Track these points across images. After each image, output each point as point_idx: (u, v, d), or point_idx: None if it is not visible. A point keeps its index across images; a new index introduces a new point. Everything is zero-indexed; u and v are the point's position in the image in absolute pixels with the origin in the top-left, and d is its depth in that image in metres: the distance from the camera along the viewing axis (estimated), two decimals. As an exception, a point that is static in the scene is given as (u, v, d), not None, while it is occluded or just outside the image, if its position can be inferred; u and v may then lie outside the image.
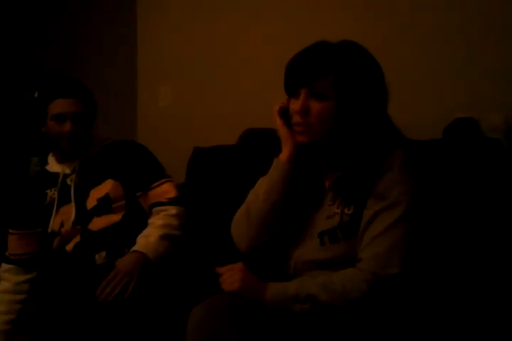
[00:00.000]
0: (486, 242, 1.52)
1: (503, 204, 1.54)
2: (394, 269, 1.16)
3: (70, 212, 1.70)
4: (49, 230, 1.72)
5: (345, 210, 1.26)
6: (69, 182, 1.74)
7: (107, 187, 1.71)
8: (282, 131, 1.32)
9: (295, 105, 1.26)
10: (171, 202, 1.73)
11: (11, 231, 1.78)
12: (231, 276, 1.24)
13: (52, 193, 1.74)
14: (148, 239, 1.62)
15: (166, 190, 1.75)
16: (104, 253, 1.65)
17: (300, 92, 1.25)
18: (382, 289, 1.16)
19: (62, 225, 1.70)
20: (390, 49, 2.13)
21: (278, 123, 1.33)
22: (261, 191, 1.33)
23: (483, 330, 1.36)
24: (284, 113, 1.33)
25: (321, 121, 1.24)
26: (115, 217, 1.70)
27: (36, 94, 1.71)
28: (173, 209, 1.71)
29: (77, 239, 1.70)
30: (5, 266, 1.77)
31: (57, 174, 1.76)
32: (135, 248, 1.61)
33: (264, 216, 1.32)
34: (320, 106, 1.23)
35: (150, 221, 1.70)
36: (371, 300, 1.17)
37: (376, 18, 2.19)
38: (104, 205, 1.70)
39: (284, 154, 1.32)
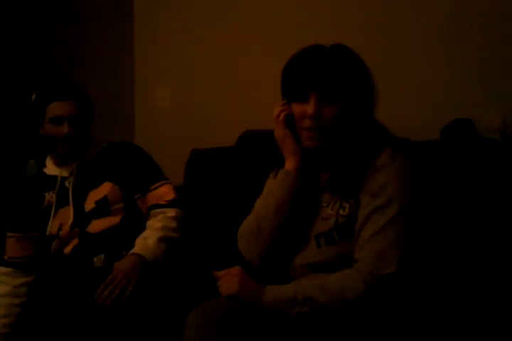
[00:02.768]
0: (483, 241, 1.52)
1: (501, 204, 1.55)
2: (390, 269, 1.16)
3: (68, 214, 1.70)
4: (47, 233, 1.71)
5: (341, 211, 1.26)
6: (67, 184, 1.73)
7: (105, 189, 1.70)
8: (289, 141, 1.31)
9: (304, 109, 1.25)
10: (170, 204, 1.73)
11: (8, 234, 1.77)
12: (229, 280, 1.23)
13: (50, 196, 1.74)
14: (146, 241, 1.62)
15: (164, 192, 1.75)
16: (102, 256, 1.65)
17: (309, 96, 1.24)
18: (380, 289, 1.16)
19: (60, 228, 1.70)
20: (388, 51, 2.13)
21: (283, 133, 1.31)
22: (271, 204, 1.31)
23: (480, 329, 1.36)
24: (286, 120, 1.31)
25: (334, 124, 1.24)
26: (113, 220, 1.70)
27: (34, 97, 1.71)
28: (171, 212, 1.71)
29: (76, 241, 1.69)
30: (3, 269, 1.76)
31: (55, 177, 1.75)
32: (133, 250, 1.61)
33: (276, 229, 1.31)
34: (332, 109, 1.24)
35: (148, 223, 1.70)
36: (369, 300, 1.17)
37: (374, 19, 2.19)
38: (103, 208, 1.69)
39: (292, 165, 1.31)
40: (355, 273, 1.18)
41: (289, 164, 1.31)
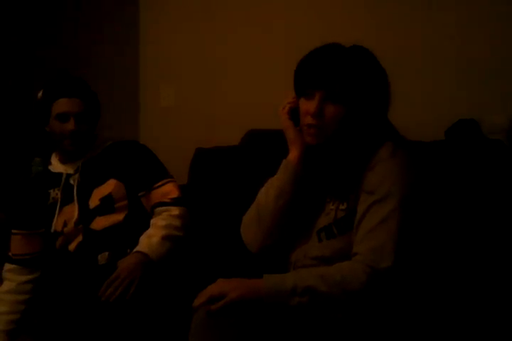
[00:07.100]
0: (486, 242, 1.53)
1: (505, 204, 1.55)
2: (387, 263, 1.17)
3: (72, 211, 1.71)
4: (52, 230, 1.72)
5: (340, 206, 1.28)
6: (72, 182, 1.74)
7: (109, 187, 1.71)
8: (291, 132, 1.33)
9: (308, 106, 1.26)
10: (174, 202, 1.73)
11: (13, 231, 1.78)
12: (218, 287, 1.19)
13: (55, 193, 1.74)
14: (150, 239, 1.63)
15: (168, 190, 1.75)
16: (106, 254, 1.66)
17: (314, 94, 1.25)
18: (380, 281, 1.17)
19: (65, 225, 1.71)
20: (393, 51, 2.13)
21: (287, 125, 1.34)
22: (271, 192, 1.33)
23: (478, 326, 1.37)
24: (292, 112, 1.33)
25: (334, 124, 1.25)
26: (117, 217, 1.70)
27: (40, 94, 1.72)
28: (175, 210, 1.71)
29: (80, 238, 1.70)
30: (8, 266, 1.77)
31: (60, 174, 1.76)
32: (137, 248, 1.61)
33: (275, 217, 1.33)
34: (334, 109, 1.24)
35: (152, 221, 1.70)
36: (369, 291, 1.17)
37: (378, 20, 2.19)
38: (107, 205, 1.70)
39: (294, 155, 1.33)
40: (356, 265, 1.19)
41: (291, 155, 1.33)
